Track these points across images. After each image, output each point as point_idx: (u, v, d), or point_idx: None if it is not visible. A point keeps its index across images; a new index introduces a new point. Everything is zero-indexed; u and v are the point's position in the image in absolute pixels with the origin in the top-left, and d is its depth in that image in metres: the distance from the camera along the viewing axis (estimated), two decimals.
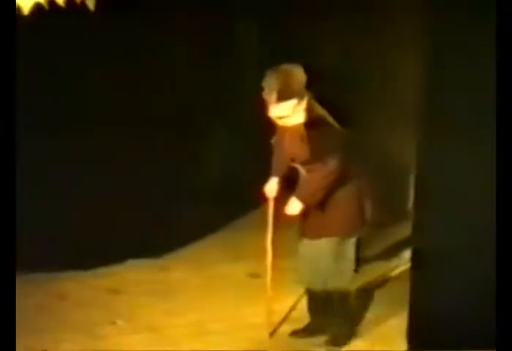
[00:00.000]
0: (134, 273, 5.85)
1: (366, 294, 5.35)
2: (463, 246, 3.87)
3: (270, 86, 4.48)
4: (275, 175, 4.90)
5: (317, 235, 4.68)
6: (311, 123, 4.55)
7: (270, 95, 4.48)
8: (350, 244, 4.73)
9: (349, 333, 4.87)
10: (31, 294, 5.42)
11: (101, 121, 5.78)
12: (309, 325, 4.95)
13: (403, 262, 5.62)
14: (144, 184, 5.97)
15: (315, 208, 4.62)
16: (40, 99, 5.55)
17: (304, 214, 4.64)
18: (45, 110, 5.59)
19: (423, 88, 4.17)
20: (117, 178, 5.88)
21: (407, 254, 5.37)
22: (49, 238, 5.66)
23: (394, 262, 5.84)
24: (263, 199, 4.93)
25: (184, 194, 6.30)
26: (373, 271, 5.71)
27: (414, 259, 4.40)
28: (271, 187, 4.91)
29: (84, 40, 5.59)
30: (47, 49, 5.50)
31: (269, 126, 4.71)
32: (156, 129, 6.03)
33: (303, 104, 4.55)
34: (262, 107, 4.58)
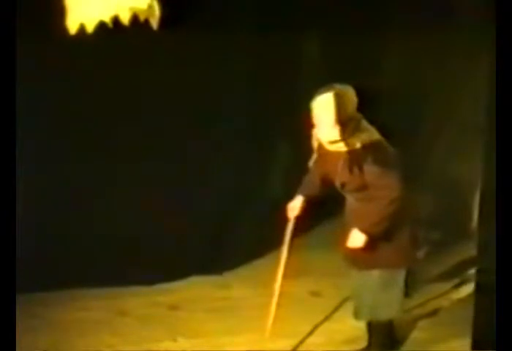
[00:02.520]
0: (195, 290, 5.85)
1: (427, 314, 5.29)
2: None
3: (324, 108, 4.31)
4: (301, 193, 4.74)
5: (367, 266, 4.51)
6: (366, 147, 4.33)
7: (324, 117, 4.32)
8: (401, 274, 4.54)
9: None
10: (92, 309, 5.50)
11: (166, 135, 5.81)
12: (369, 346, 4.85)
13: (466, 283, 5.51)
14: (206, 200, 5.97)
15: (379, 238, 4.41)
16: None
17: (368, 246, 4.41)
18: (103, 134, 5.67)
19: (490, 105, 4.06)
20: (179, 195, 5.89)
21: (471, 275, 5.26)
22: (111, 253, 5.71)
23: (457, 283, 5.73)
24: (285, 218, 4.79)
25: (246, 210, 6.28)
26: (435, 292, 5.61)
27: (478, 281, 4.28)
28: (294, 206, 4.74)
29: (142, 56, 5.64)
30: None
31: None
32: (217, 145, 6.02)
33: (358, 127, 4.35)
34: (308, 129, 4.48)
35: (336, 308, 5.40)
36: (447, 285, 5.71)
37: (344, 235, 4.51)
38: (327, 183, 4.61)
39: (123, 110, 5.63)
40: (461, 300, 5.40)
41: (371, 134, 4.39)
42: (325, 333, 5.13)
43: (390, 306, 4.57)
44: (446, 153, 6.39)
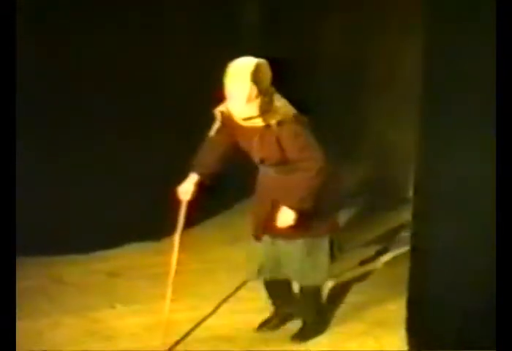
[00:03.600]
0: (133, 256, 5.85)
1: (364, 278, 5.39)
2: (463, 233, 3.83)
3: (239, 80, 4.04)
4: (197, 171, 4.47)
5: (292, 237, 4.35)
6: (282, 122, 4.12)
7: (238, 91, 4.06)
8: (325, 239, 4.45)
9: (319, 326, 4.73)
10: (30, 277, 5.42)
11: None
12: (276, 315, 4.83)
13: (400, 246, 5.62)
14: (143, 168, 5.93)
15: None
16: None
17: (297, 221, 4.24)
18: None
19: (424, 74, 4.11)
20: (116, 164, 5.84)
21: (405, 238, 5.35)
22: (48, 221, 5.66)
23: (393, 246, 5.83)
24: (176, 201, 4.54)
25: (183, 177, 6.25)
26: (369, 255, 5.71)
27: (414, 244, 4.37)
28: (186, 189, 4.49)
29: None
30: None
31: None
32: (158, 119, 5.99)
33: (272, 101, 4.13)
34: (216, 104, 4.30)
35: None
36: (380, 248, 5.83)
37: (264, 209, 4.39)
38: (232, 154, 4.43)
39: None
40: (395, 263, 5.51)
41: (285, 107, 4.18)
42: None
43: (316, 272, 4.50)
44: (384, 121, 6.48)
